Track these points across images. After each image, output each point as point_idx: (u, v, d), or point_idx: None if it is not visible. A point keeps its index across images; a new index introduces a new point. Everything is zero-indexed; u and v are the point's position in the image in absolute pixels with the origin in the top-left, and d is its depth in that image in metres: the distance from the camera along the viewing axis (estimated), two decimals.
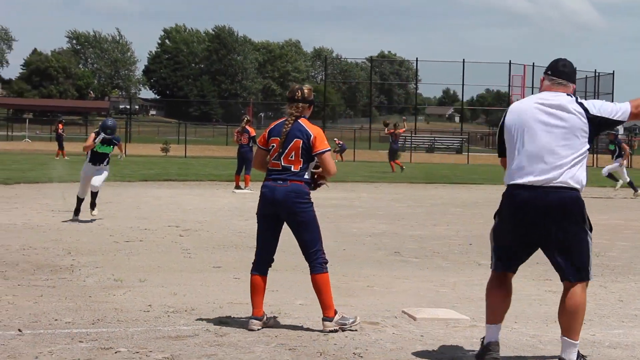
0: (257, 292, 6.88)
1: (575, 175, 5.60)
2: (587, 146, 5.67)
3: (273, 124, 7.10)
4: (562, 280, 5.72)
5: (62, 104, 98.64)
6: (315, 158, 6.90)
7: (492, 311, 5.89)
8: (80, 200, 14.60)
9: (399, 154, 36.36)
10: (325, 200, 20.01)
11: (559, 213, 5.55)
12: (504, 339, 6.68)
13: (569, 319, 5.62)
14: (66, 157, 38.86)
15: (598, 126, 5.71)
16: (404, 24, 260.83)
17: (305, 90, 7.04)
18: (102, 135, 14.48)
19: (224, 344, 6.29)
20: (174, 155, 47.04)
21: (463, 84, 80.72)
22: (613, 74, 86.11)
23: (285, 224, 6.93)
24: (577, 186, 5.61)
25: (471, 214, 17.73)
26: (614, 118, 5.72)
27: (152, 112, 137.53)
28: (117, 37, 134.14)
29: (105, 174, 14.85)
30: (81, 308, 7.48)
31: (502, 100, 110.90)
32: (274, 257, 7.02)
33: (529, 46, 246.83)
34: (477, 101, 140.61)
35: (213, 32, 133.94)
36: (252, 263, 7.01)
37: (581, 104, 5.72)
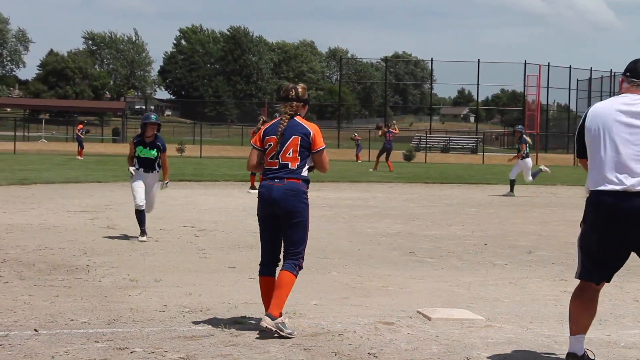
0: (266, 293, 6.83)
1: None
2: None
3: (267, 125, 7.03)
4: None
5: (78, 104, 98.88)
6: (311, 156, 6.84)
7: (572, 321, 5.74)
8: (140, 213, 12.51)
9: (390, 154, 36.43)
10: (340, 201, 20.02)
11: None
12: (519, 339, 6.67)
13: None
14: (80, 158, 39.05)
15: None
16: (419, 24, 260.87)
17: (300, 89, 6.95)
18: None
19: (239, 344, 6.30)
20: (189, 155, 47.16)
21: (478, 84, 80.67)
22: None
23: None
24: None
25: (486, 214, 17.70)
26: None
27: (168, 112, 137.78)
28: (133, 38, 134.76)
29: (158, 186, 13.11)
30: (97, 308, 7.51)
31: (517, 100, 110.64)
32: (280, 256, 6.95)
33: (544, 46, 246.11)
34: (492, 101, 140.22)
35: (228, 33, 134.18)
36: (259, 265, 6.98)
37: None
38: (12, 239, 11.92)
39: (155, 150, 12.70)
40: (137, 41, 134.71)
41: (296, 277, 6.72)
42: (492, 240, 13.25)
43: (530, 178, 23.75)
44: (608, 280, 5.73)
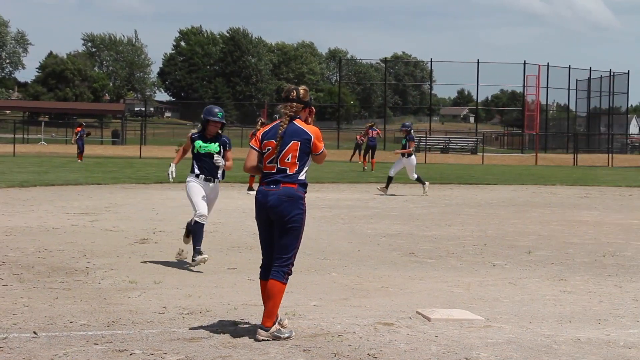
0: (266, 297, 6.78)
1: None
2: None
3: (267, 127, 6.87)
4: None
5: (77, 106, 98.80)
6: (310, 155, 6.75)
7: None
8: (200, 226, 10.38)
9: (370, 152, 36.82)
10: (339, 202, 20.02)
11: None
12: (518, 339, 6.67)
13: None
14: (80, 161, 39.01)
15: None
16: (418, 24, 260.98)
17: (301, 91, 6.78)
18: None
19: (238, 346, 6.30)
20: (189, 157, 46.98)
21: (478, 85, 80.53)
22: (628, 73, 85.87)
23: None
24: None
25: (486, 215, 17.69)
26: None
27: (167, 114, 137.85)
28: (133, 40, 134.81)
29: (217, 201, 11.23)
30: (96, 310, 7.51)
31: (517, 100, 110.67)
32: None
33: (543, 46, 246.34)
34: (492, 101, 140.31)
35: (228, 34, 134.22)
36: (259, 268, 6.93)
37: None
38: (11, 242, 11.92)
39: (217, 145, 10.46)
40: (136, 43, 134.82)
41: (285, 284, 6.62)
42: (492, 241, 13.25)
43: (415, 176, 23.57)
44: None
